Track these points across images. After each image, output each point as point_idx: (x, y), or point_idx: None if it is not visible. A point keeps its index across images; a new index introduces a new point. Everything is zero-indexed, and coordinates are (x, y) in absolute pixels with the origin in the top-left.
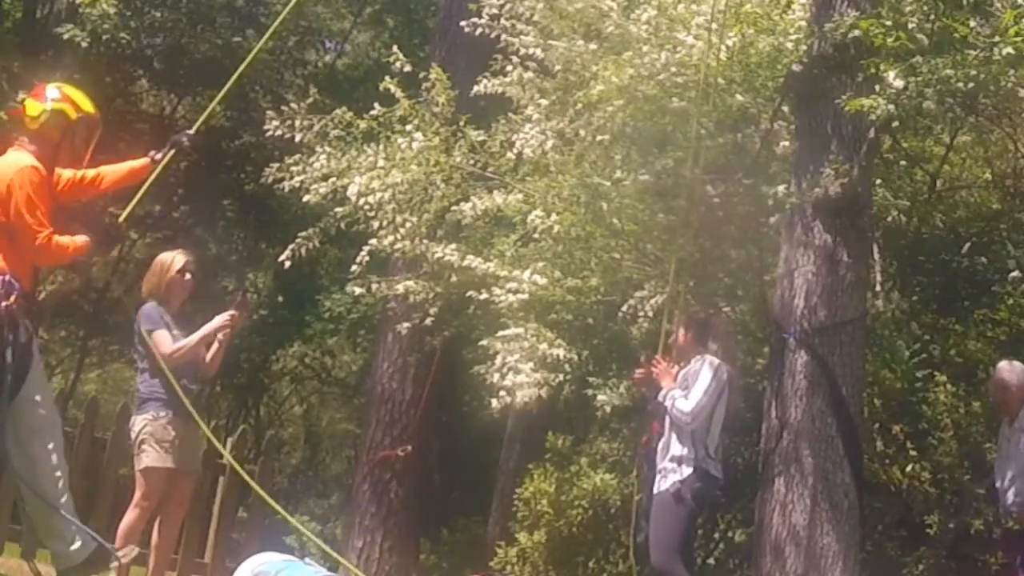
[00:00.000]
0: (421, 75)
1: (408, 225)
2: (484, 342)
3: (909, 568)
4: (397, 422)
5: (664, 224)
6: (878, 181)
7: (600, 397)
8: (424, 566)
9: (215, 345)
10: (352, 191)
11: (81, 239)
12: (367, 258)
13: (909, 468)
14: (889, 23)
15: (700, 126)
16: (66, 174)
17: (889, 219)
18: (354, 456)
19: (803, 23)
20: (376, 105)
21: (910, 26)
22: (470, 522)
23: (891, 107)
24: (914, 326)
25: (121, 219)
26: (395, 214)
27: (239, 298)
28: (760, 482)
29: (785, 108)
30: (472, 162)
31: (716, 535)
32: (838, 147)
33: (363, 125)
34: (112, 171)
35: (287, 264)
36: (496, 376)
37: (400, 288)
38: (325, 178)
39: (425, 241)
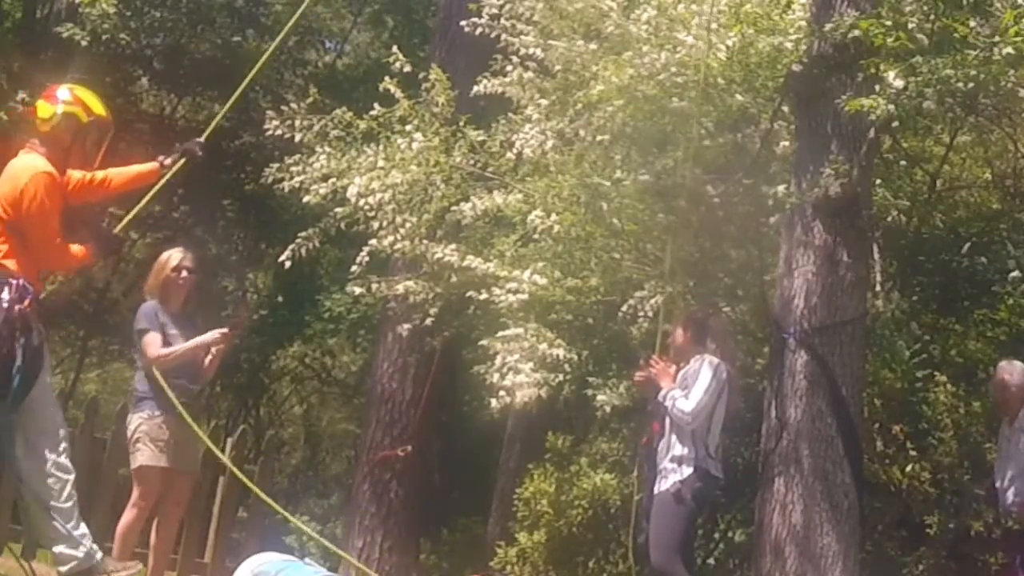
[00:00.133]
0: (421, 75)
1: (408, 225)
2: (484, 342)
3: (909, 568)
4: (397, 422)
5: (664, 224)
6: (878, 181)
7: (600, 397)
8: (424, 566)
9: (210, 355)
10: (352, 192)
11: (86, 247)
12: (367, 258)
13: (909, 468)
14: (889, 23)
15: (700, 126)
16: (75, 175)
17: (889, 219)
18: (354, 456)
19: (803, 23)
20: (376, 105)
21: (910, 26)
22: (470, 522)
23: (891, 107)
24: (914, 326)
25: (117, 229)
26: (395, 214)
27: (239, 313)
28: (760, 482)
29: (785, 108)
30: (472, 162)
31: (716, 535)
32: (838, 147)
33: (363, 125)
34: (120, 174)
35: (287, 264)
36: (496, 376)
37: (400, 288)
38: (325, 178)
39: (425, 241)
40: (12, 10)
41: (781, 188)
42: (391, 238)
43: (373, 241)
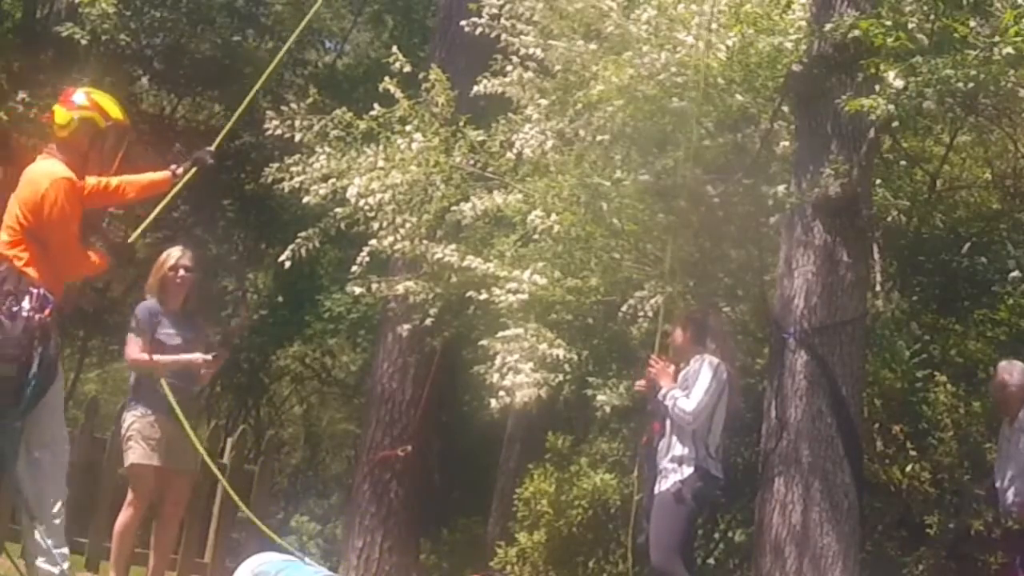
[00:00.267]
0: (421, 75)
1: (408, 225)
2: (484, 342)
3: (909, 568)
4: (397, 422)
5: (664, 224)
6: (878, 181)
7: (600, 397)
8: (424, 566)
9: (204, 369)
10: (352, 192)
11: (101, 254)
12: (367, 258)
13: (909, 468)
14: (889, 23)
15: (700, 126)
16: (90, 181)
17: (889, 219)
18: (354, 456)
19: (803, 23)
20: (376, 105)
21: (910, 26)
22: (470, 522)
23: (891, 107)
24: (914, 326)
25: (131, 239)
26: (395, 215)
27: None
28: (760, 482)
29: (785, 108)
30: (472, 162)
31: (716, 535)
32: (838, 147)
33: (363, 125)
34: (134, 181)
35: (287, 264)
36: (496, 376)
37: (400, 288)
38: (325, 179)
39: (425, 242)
40: (12, 10)
41: (781, 188)
42: (391, 238)
43: (373, 241)
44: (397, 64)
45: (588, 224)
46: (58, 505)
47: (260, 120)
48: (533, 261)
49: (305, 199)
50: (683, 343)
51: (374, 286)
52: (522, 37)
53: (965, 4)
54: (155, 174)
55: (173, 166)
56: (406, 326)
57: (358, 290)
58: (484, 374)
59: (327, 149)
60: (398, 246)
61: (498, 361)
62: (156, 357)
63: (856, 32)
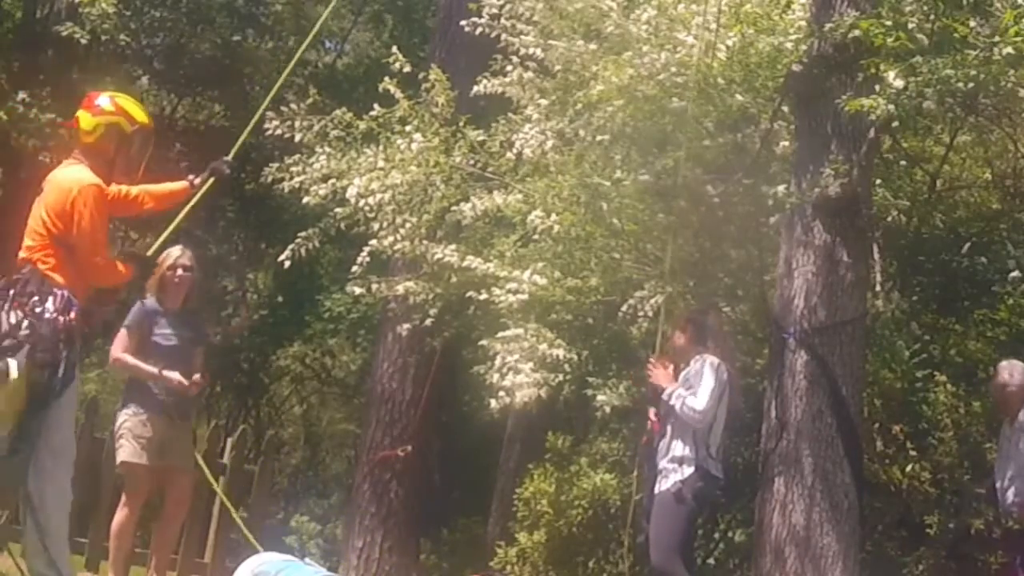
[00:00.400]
0: (421, 75)
1: (408, 226)
2: (484, 342)
3: (909, 568)
4: (397, 422)
5: (664, 224)
6: (878, 181)
7: (600, 397)
8: (424, 566)
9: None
10: (352, 192)
11: (127, 264)
12: (367, 259)
13: (909, 468)
14: (889, 23)
15: (700, 126)
16: (112, 189)
17: (889, 219)
18: (354, 456)
19: (803, 23)
20: (376, 105)
21: (910, 26)
22: (470, 522)
23: (891, 107)
24: (914, 326)
25: (149, 252)
26: (395, 215)
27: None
28: (760, 482)
29: (785, 108)
30: (472, 162)
31: (716, 535)
32: (838, 147)
33: (363, 126)
34: (153, 191)
35: (287, 264)
36: (496, 376)
37: (400, 289)
38: (325, 179)
39: (425, 242)
40: (12, 10)
41: (781, 188)
42: (391, 238)
43: (373, 241)
44: (397, 64)
45: (588, 224)
46: (61, 514)
47: (260, 120)
48: (533, 261)
49: (305, 199)
50: (684, 344)
51: (374, 286)
52: (522, 37)
53: (965, 4)
54: (173, 184)
55: (191, 176)
56: (406, 326)
57: (358, 290)
58: (484, 374)
59: (327, 149)
60: (398, 246)
61: (498, 361)
62: (137, 363)
63: (856, 32)
